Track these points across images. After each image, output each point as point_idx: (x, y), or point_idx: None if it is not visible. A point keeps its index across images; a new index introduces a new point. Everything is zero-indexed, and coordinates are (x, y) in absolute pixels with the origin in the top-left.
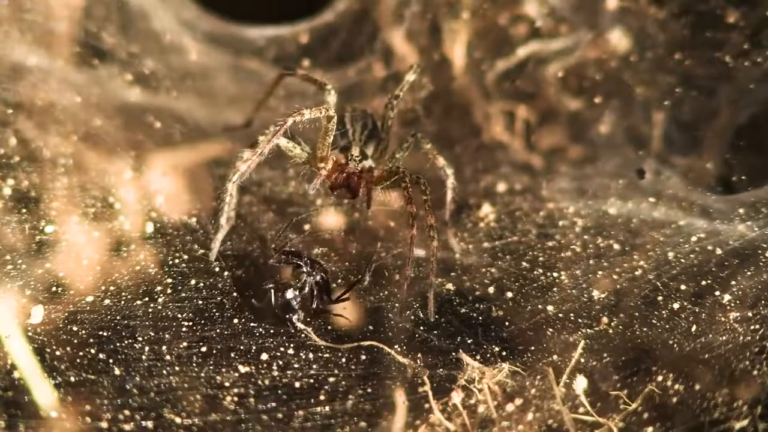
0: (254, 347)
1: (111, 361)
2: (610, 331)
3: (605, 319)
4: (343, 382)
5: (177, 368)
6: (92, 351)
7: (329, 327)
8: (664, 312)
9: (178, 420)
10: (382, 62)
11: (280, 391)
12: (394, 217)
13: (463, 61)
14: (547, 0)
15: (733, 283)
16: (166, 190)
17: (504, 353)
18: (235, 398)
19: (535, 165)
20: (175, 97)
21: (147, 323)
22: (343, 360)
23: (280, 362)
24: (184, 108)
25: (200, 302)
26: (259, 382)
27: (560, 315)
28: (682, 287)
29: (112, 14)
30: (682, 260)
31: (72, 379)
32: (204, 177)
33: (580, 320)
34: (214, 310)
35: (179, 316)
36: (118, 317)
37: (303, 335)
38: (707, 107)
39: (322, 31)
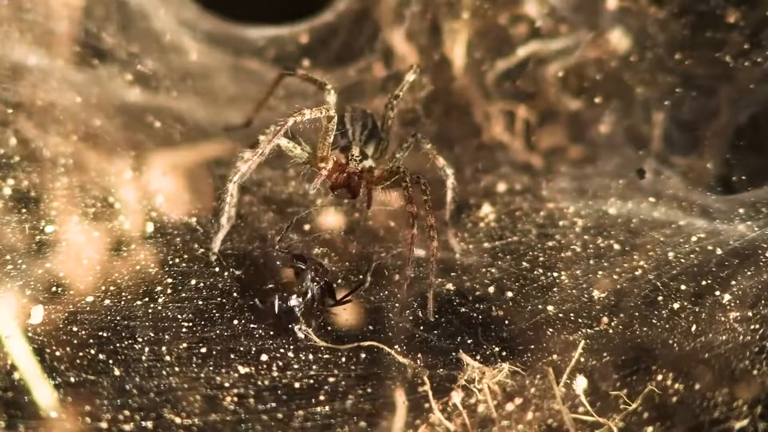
0: (254, 348)
1: (111, 361)
2: (610, 331)
3: (605, 319)
4: (343, 382)
5: (177, 369)
6: (92, 351)
7: (329, 327)
8: (664, 312)
9: (178, 420)
10: (382, 62)
11: (279, 392)
12: (394, 217)
13: (463, 61)
14: (547, 0)
15: (733, 283)
16: (166, 190)
17: (504, 353)
18: (235, 398)
19: (535, 165)
20: (175, 97)
21: (147, 324)
22: (343, 360)
23: (280, 363)
24: (184, 108)
25: (200, 303)
26: (259, 382)
27: (560, 315)
28: (682, 287)
29: (112, 14)
30: (682, 260)
31: (72, 379)
32: (204, 177)
33: (580, 320)
34: (214, 311)
35: (179, 316)
36: (118, 317)
37: (303, 336)
38: (707, 107)
39: (322, 31)
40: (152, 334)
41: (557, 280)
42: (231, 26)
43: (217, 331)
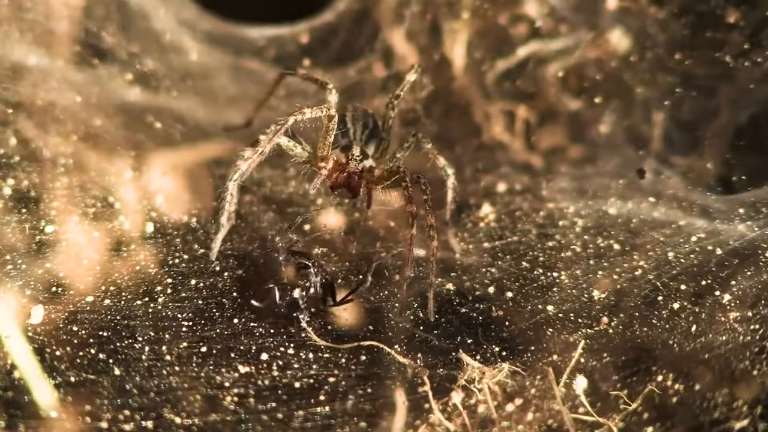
0: (254, 347)
1: (111, 361)
2: (610, 331)
3: (605, 319)
4: (343, 382)
5: (177, 368)
6: (92, 351)
7: (329, 327)
8: (664, 312)
9: (178, 420)
10: (382, 62)
11: (280, 391)
12: (394, 217)
13: (463, 61)
14: (547, 0)
15: (733, 283)
16: (166, 190)
17: (504, 353)
18: (235, 398)
19: (535, 165)
20: (175, 97)
21: (147, 323)
22: (343, 360)
23: (280, 362)
24: (184, 108)
25: (200, 302)
26: (259, 382)
27: (560, 315)
28: (682, 287)
29: (112, 14)
30: (682, 260)
31: (72, 379)
32: (204, 177)
33: (580, 320)
34: (214, 310)
35: (179, 316)
36: (118, 317)
37: (303, 335)
38: (707, 107)
39: (322, 31)
40: (152, 334)
41: (557, 280)
42: (231, 26)
43: (217, 330)
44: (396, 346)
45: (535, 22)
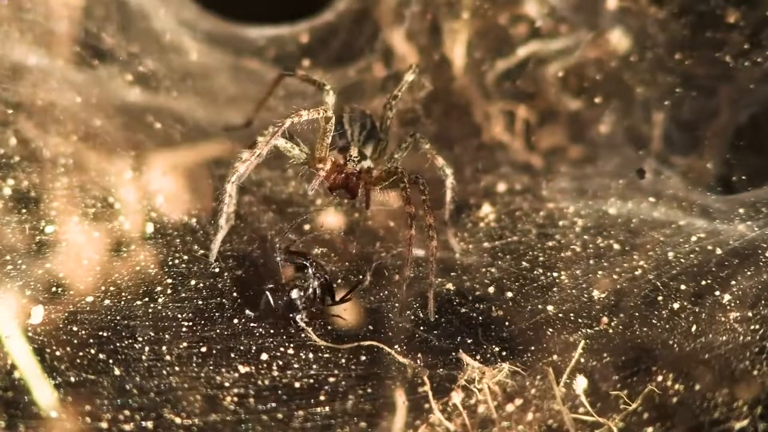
0: (254, 347)
1: (111, 361)
2: (610, 331)
3: (605, 319)
4: (343, 382)
5: (177, 368)
6: (92, 351)
7: (329, 327)
8: (664, 312)
9: (178, 420)
10: (382, 62)
11: (280, 391)
12: (394, 217)
13: (463, 61)
14: (547, 0)
15: (733, 283)
16: (166, 190)
17: (504, 353)
18: (235, 398)
19: (535, 165)
20: (175, 97)
21: (147, 323)
22: (343, 360)
23: (280, 362)
24: (184, 108)
25: (200, 302)
26: (259, 382)
27: (560, 315)
28: (682, 287)
29: (112, 14)
30: (682, 260)
31: (72, 379)
32: (204, 177)
33: (580, 320)
34: (214, 311)
35: (179, 316)
36: (118, 317)
37: (303, 335)
38: (707, 107)
39: (322, 31)
40: (152, 334)
41: (557, 280)
42: (231, 26)
43: (217, 330)
44: (396, 346)
45: (535, 22)
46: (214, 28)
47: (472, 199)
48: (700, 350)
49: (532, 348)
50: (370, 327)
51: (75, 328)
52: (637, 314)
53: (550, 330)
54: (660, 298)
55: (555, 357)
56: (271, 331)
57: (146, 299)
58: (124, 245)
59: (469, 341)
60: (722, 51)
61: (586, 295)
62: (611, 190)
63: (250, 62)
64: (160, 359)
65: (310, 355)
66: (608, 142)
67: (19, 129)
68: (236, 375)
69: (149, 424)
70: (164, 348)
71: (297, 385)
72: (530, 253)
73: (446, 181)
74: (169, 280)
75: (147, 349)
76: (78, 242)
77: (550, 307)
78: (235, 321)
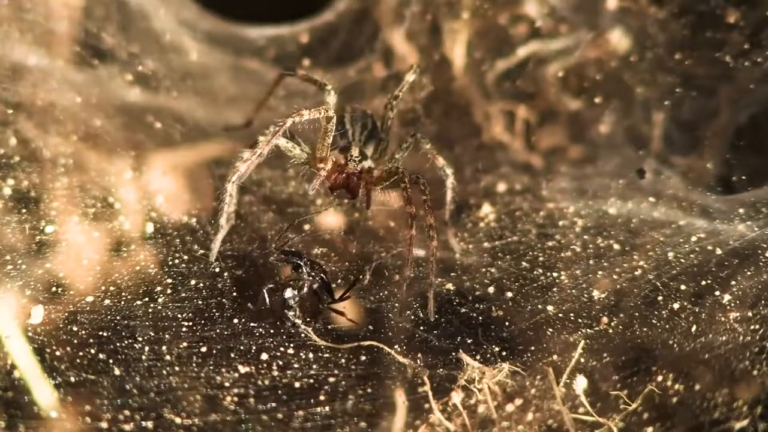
0: (254, 347)
1: (111, 361)
2: (610, 331)
3: (605, 319)
4: (343, 382)
5: (177, 368)
6: (92, 351)
7: (329, 327)
8: (664, 312)
9: (178, 420)
10: (382, 62)
11: (280, 391)
12: (394, 217)
13: (463, 61)
14: (547, 0)
15: (733, 283)
16: (166, 190)
17: (504, 353)
18: (235, 398)
19: (535, 165)
20: (175, 97)
21: (147, 323)
22: (343, 360)
23: (280, 362)
24: (184, 108)
25: (200, 302)
26: (259, 382)
27: (560, 315)
28: (682, 287)
29: (112, 14)
30: (682, 260)
31: (72, 379)
32: (204, 177)
33: (580, 320)
34: (214, 311)
35: (179, 316)
36: (118, 317)
37: (303, 335)
38: (707, 107)
39: (322, 31)
40: (152, 334)
41: (557, 280)
42: (231, 26)
43: (217, 330)
44: (396, 346)
45: (535, 22)
46: (214, 28)
47: (472, 199)
48: (700, 350)
49: (532, 348)
50: (370, 327)
51: (75, 328)
52: (637, 314)
53: (550, 330)
54: (660, 298)
55: (555, 357)
56: (271, 331)
57: (146, 299)
58: (124, 245)
59: (469, 341)
60: (722, 51)
61: (586, 295)
62: (611, 190)
63: (250, 62)
64: (160, 359)
65: (310, 355)
66: (608, 142)
67: (19, 129)
68: (236, 375)
69: (149, 424)
70: (164, 348)
71: (297, 385)
72: (530, 253)
73: (446, 181)
74: (169, 280)
75: (147, 349)
76: (78, 242)
77: (550, 307)
78: (235, 321)
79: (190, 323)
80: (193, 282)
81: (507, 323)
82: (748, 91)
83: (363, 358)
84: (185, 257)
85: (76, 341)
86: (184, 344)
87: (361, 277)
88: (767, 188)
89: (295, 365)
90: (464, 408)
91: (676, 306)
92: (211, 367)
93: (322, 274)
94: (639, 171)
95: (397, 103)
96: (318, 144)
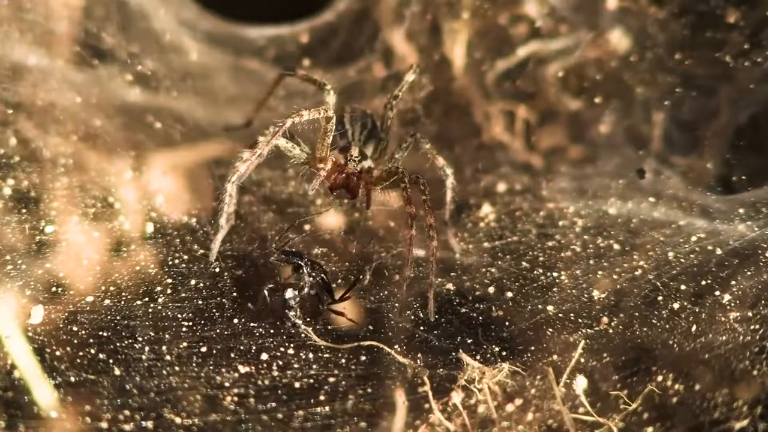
0: (254, 347)
1: (111, 361)
2: (610, 331)
3: (605, 319)
4: (343, 382)
5: (177, 368)
6: (92, 351)
7: (329, 327)
8: (664, 312)
9: (178, 420)
10: (382, 62)
11: (280, 391)
12: (394, 217)
13: (463, 61)
14: (547, 0)
15: (733, 283)
16: (166, 190)
17: (504, 353)
18: (235, 398)
19: (535, 165)
20: (175, 97)
21: (147, 323)
22: (343, 360)
23: (280, 362)
24: (184, 108)
25: (200, 302)
26: (259, 382)
27: (560, 315)
28: (682, 287)
29: (112, 14)
30: (682, 260)
31: (72, 379)
32: (204, 177)
33: (580, 320)
34: (214, 311)
35: (179, 316)
36: (118, 317)
37: (303, 335)
38: (707, 107)
39: (322, 31)
40: (152, 334)
41: (557, 280)
42: (231, 26)
43: (217, 330)
44: (396, 346)
45: (535, 22)
46: (214, 28)
47: (472, 199)
48: (700, 350)
49: (532, 348)
50: (370, 327)
51: (75, 328)
52: (637, 314)
53: (550, 330)
54: (660, 298)
55: (555, 357)
56: (272, 331)
57: (146, 299)
58: (124, 245)
59: (469, 341)
60: (722, 51)
61: (586, 295)
62: (611, 190)
63: (250, 62)
64: (160, 359)
65: (310, 355)
66: (608, 142)
67: (19, 129)
68: (236, 375)
69: (149, 424)
70: (164, 348)
71: (297, 385)
72: (530, 253)
73: (446, 181)
74: (169, 280)
75: (147, 349)
76: (78, 242)
77: (550, 307)
78: (235, 321)
79: (190, 323)
80: (193, 282)
81: (507, 323)
82: (748, 91)
83: (363, 358)
84: (185, 257)
85: (76, 341)
86: (184, 344)
87: (361, 277)
88: (767, 188)
89: (295, 365)
90: (464, 408)
91: (676, 306)
92: (211, 367)
93: (322, 275)
94: (639, 171)
95: (396, 103)
96: (318, 144)
